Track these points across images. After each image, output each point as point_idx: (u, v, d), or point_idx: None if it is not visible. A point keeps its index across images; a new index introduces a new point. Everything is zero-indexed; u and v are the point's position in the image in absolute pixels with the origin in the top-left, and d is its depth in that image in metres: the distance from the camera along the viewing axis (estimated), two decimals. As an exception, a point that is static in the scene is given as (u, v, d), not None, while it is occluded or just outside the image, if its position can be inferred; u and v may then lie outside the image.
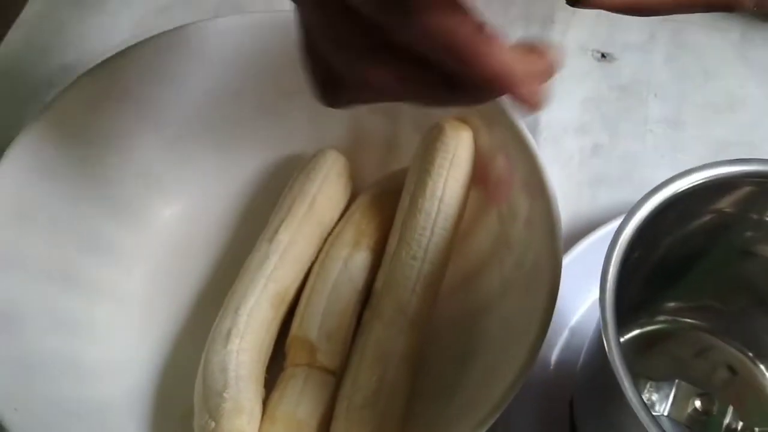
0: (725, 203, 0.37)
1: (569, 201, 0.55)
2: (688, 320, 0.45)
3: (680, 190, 0.34)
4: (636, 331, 0.45)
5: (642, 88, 0.61)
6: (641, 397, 0.29)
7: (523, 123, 0.45)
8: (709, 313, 0.44)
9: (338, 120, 0.54)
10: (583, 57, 0.63)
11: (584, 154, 0.58)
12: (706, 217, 0.37)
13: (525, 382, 0.46)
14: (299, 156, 0.54)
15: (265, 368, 0.46)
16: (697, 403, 0.40)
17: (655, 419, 0.29)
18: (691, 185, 0.35)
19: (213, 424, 0.40)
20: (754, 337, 0.43)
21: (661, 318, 0.45)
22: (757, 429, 0.41)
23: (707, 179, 0.35)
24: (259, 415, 0.42)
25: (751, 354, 0.44)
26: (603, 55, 0.63)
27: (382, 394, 0.43)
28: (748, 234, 0.38)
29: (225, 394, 0.41)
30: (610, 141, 0.59)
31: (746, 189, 0.36)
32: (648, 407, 0.29)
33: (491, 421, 0.36)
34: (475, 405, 0.39)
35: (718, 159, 0.36)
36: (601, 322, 0.30)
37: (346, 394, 0.43)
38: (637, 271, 0.40)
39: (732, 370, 0.44)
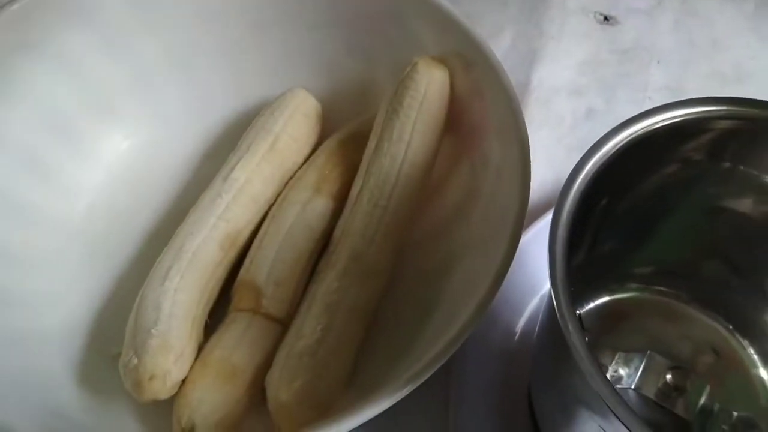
0: (694, 148, 0.33)
1: (556, 164, 0.51)
2: (662, 288, 0.41)
3: (644, 131, 0.31)
4: (606, 298, 0.41)
5: (644, 53, 0.58)
6: (590, 353, 0.25)
7: (502, 67, 0.41)
8: (683, 282, 0.40)
9: (313, 59, 0.50)
10: (584, 18, 0.59)
11: (577, 118, 0.54)
12: (673, 167, 0.34)
13: (490, 348, 0.43)
14: (270, 97, 0.50)
15: (207, 311, 0.42)
16: (669, 377, 0.36)
17: (606, 379, 0.25)
18: (656, 126, 0.31)
19: (135, 360, 0.37)
20: (736, 312, 0.40)
21: (633, 285, 0.41)
22: (735, 413, 0.37)
23: (675, 119, 0.31)
24: (190, 358, 0.39)
25: (734, 330, 0.40)
26: (606, 18, 0.59)
27: (324, 344, 0.39)
28: (718, 187, 0.34)
29: (153, 331, 0.38)
30: (606, 106, 0.55)
31: (717, 131, 0.32)
32: (598, 365, 0.25)
33: (425, 376, 0.33)
34: (419, 358, 0.35)
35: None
36: (549, 269, 0.27)
37: (289, 342, 0.40)
38: (601, 230, 0.36)
39: (713, 347, 0.40)
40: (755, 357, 0.39)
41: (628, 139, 0.30)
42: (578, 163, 0.30)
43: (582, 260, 0.37)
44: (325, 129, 0.50)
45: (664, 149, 0.32)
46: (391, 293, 0.44)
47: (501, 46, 0.58)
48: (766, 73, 0.57)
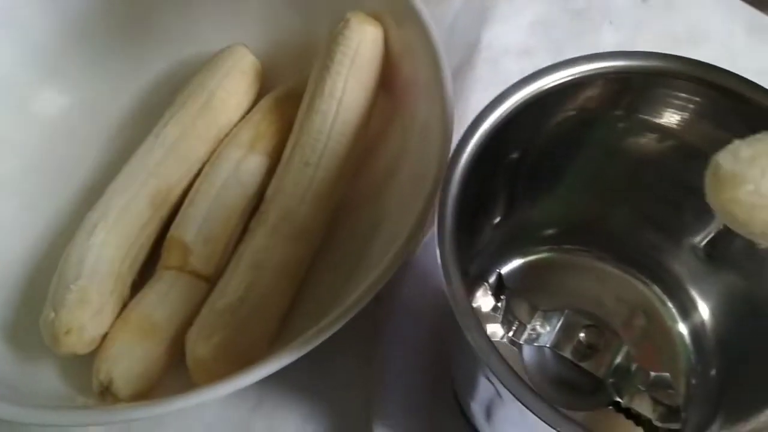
0: (589, 98, 0.33)
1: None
2: (583, 247, 0.41)
3: (538, 90, 0.31)
4: (531, 257, 0.41)
5: (597, 14, 0.57)
6: (470, 306, 0.25)
7: (431, 24, 0.41)
8: (602, 238, 0.40)
9: (253, 15, 0.50)
10: (538, -22, 0.58)
11: (524, 79, 0.53)
12: (570, 120, 0.33)
13: (420, 305, 0.43)
14: (210, 53, 0.50)
15: (135, 269, 0.42)
16: (582, 336, 0.36)
17: (481, 331, 0.25)
18: (549, 85, 0.31)
19: (53, 314, 0.37)
20: (655, 266, 0.40)
21: (555, 245, 0.41)
22: (652, 373, 0.37)
23: (570, 77, 0.31)
24: (111, 314, 0.39)
25: (654, 285, 0.40)
26: (560, -23, 0.58)
27: (247, 302, 0.39)
28: (616, 132, 0.34)
29: (72, 286, 0.38)
30: (555, 67, 0.54)
31: (607, 87, 0.32)
32: (476, 319, 0.25)
33: (332, 330, 0.33)
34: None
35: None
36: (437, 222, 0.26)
37: (212, 299, 0.40)
38: (516, 190, 0.36)
39: (633, 304, 0.40)
40: (674, 311, 0.39)
41: (524, 98, 0.30)
42: (470, 125, 0.29)
43: (500, 221, 0.37)
44: (267, 86, 0.49)
45: (560, 105, 0.32)
46: (325, 254, 0.44)
47: (453, 5, 0.57)
48: (720, 34, 0.56)
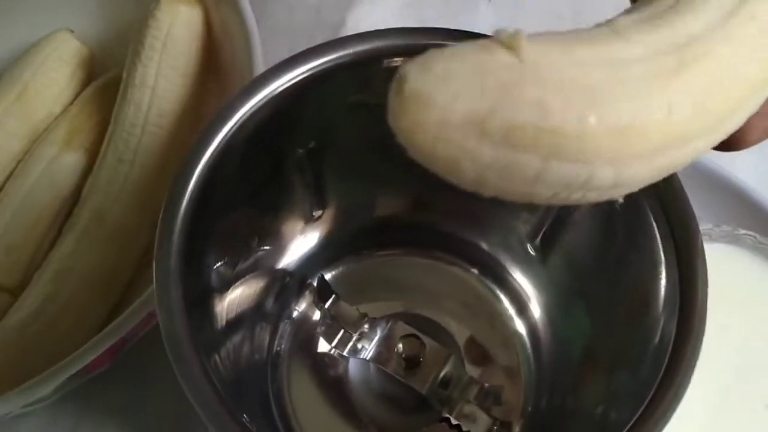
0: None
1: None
2: (411, 248, 0.37)
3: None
4: (365, 261, 0.37)
5: (475, -8, 0.53)
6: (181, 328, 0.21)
7: (246, 3, 0.36)
8: (434, 236, 0.36)
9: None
10: (412, -46, 0.54)
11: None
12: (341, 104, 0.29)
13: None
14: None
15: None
16: (400, 347, 0.32)
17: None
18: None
19: None
20: (483, 260, 0.36)
21: (388, 247, 0.37)
22: (486, 384, 0.33)
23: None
24: None
25: (486, 280, 0.36)
26: (436, -46, 0.54)
27: (42, 317, 0.35)
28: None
29: None
30: (425, 49, 0.50)
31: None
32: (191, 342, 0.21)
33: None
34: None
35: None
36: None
37: (9, 314, 0.36)
38: (309, 184, 0.32)
39: (468, 303, 0.36)
40: (511, 310, 0.36)
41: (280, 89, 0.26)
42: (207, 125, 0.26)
43: (319, 218, 0.33)
44: (100, 76, 0.45)
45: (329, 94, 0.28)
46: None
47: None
48: (603, 15, 0.52)
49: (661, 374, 0.23)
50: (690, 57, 0.17)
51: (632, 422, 0.23)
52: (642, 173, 0.16)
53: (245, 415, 0.25)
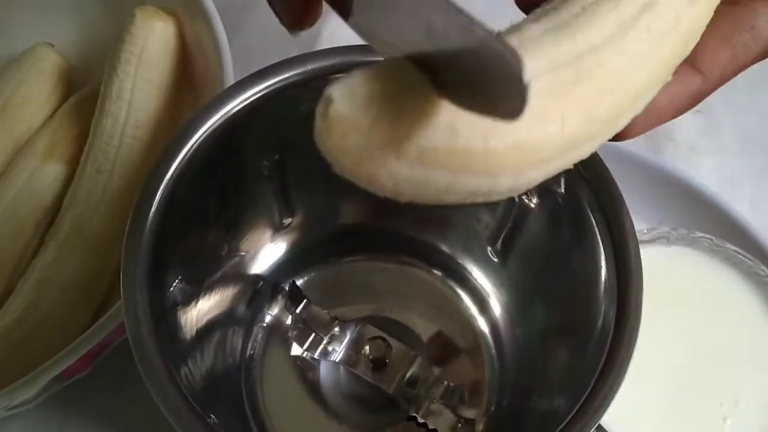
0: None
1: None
2: (384, 253, 0.38)
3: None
4: (335, 267, 0.39)
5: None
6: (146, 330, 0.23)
7: (217, 17, 0.38)
8: (401, 242, 0.38)
9: (63, 12, 0.46)
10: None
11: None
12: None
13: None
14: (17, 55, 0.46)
15: None
16: (367, 349, 0.34)
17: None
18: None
19: None
20: (460, 268, 0.37)
21: (362, 253, 0.38)
22: (451, 384, 0.34)
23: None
24: None
25: (448, 279, 0.38)
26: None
27: (24, 324, 0.36)
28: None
29: None
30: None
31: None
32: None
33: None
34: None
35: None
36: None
37: (-8, 323, 0.37)
38: (276, 191, 0.34)
39: (434, 305, 0.38)
40: (474, 309, 0.37)
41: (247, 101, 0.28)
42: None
43: (289, 226, 0.34)
44: (81, 89, 0.46)
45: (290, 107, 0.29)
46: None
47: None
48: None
49: (602, 361, 0.25)
50: (585, 69, 0.18)
51: (575, 410, 0.24)
52: (537, 177, 0.18)
53: (215, 416, 0.27)
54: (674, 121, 0.49)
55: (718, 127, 0.48)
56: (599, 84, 0.18)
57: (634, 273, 0.26)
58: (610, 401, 0.24)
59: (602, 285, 0.27)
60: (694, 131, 0.48)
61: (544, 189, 0.30)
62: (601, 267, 0.27)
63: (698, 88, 0.22)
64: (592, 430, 0.31)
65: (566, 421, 0.24)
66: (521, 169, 0.17)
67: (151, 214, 0.25)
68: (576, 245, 0.29)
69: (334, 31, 0.52)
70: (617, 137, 0.21)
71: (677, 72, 0.21)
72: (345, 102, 0.16)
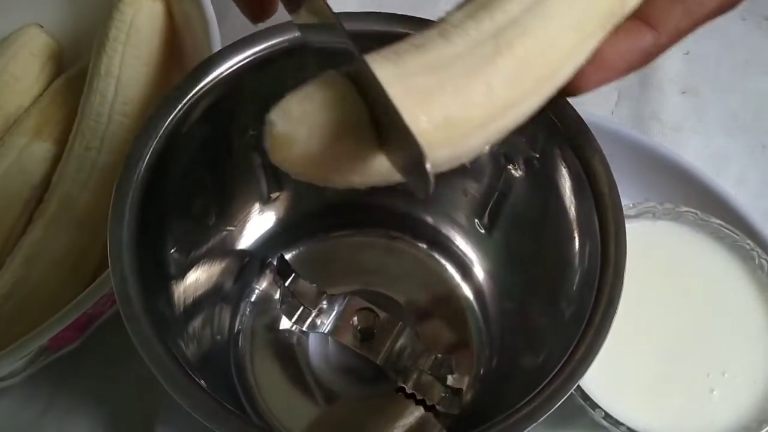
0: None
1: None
2: (371, 227, 0.38)
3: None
4: (326, 239, 0.39)
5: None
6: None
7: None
8: (386, 218, 0.38)
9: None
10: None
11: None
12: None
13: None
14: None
15: None
16: (355, 320, 0.34)
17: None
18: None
19: None
20: (445, 240, 0.38)
21: (349, 228, 0.39)
22: (438, 355, 0.34)
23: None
24: None
25: (433, 251, 0.38)
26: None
27: (12, 300, 0.36)
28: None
29: None
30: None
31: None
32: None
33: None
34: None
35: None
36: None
37: (-17, 298, 0.37)
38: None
39: (420, 276, 0.38)
40: (457, 276, 0.38)
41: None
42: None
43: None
44: (69, 69, 0.46)
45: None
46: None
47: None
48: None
49: (587, 316, 0.25)
50: (505, 40, 0.20)
51: (559, 365, 0.24)
52: (477, 143, 0.20)
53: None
54: (660, 101, 0.49)
55: (703, 107, 0.48)
56: (525, 49, 0.20)
57: (616, 225, 0.26)
58: (594, 356, 0.25)
59: (584, 239, 0.27)
60: (681, 111, 0.48)
61: (528, 158, 0.31)
62: (580, 218, 0.27)
63: (651, 42, 0.23)
64: (576, 394, 0.32)
65: (549, 377, 0.24)
66: (456, 141, 0.19)
67: (140, 172, 0.25)
68: (559, 212, 0.29)
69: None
70: (569, 92, 0.22)
71: (627, 28, 0.22)
72: (282, 122, 0.19)
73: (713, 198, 0.41)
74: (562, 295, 0.29)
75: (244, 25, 0.50)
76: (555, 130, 0.28)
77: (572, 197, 0.28)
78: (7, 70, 0.43)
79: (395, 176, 0.20)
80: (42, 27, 0.45)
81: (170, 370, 0.23)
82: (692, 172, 0.41)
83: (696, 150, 0.47)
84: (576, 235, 0.28)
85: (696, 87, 0.50)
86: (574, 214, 0.28)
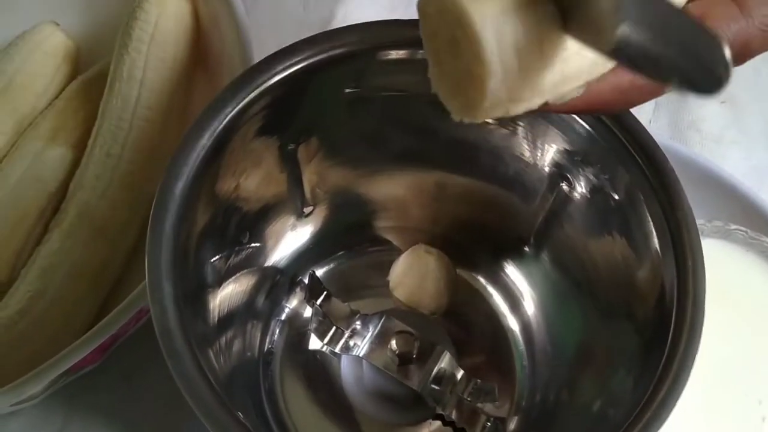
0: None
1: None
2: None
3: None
4: (363, 256, 0.37)
5: None
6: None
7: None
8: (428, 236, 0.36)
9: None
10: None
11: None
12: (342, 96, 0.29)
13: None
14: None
15: None
16: (393, 344, 0.32)
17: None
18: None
19: None
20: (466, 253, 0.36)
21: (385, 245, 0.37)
22: (478, 381, 0.33)
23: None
24: None
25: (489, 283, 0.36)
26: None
27: (29, 315, 0.35)
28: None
29: None
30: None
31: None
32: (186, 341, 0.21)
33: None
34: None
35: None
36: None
37: (-4, 312, 0.35)
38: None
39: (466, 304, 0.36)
40: (504, 306, 0.36)
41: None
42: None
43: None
44: (85, 70, 0.44)
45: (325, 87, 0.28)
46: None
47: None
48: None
49: (658, 373, 0.23)
50: None
51: (630, 421, 0.23)
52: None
53: (239, 413, 0.25)
54: (699, 111, 0.48)
55: (743, 117, 0.47)
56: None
57: (698, 281, 0.24)
58: (668, 414, 0.23)
59: (658, 289, 0.25)
60: (720, 121, 0.47)
61: (592, 180, 0.29)
62: (656, 269, 0.25)
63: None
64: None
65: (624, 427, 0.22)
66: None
67: (176, 197, 0.23)
68: (625, 241, 0.28)
69: (348, 14, 0.51)
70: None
71: None
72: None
73: (760, 214, 0.39)
74: (625, 340, 0.27)
75: (269, 27, 0.49)
76: (641, 172, 0.26)
77: (642, 227, 0.26)
78: (21, 71, 0.41)
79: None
80: (58, 25, 0.43)
81: (218, 416, 0.21)
82: (736, 186, 0.40)
83: (736, 161, 0.45)
84: (641, 268, 0.26)
85: (735, 96, 0.48)
86: (644, 245, 0.26)
